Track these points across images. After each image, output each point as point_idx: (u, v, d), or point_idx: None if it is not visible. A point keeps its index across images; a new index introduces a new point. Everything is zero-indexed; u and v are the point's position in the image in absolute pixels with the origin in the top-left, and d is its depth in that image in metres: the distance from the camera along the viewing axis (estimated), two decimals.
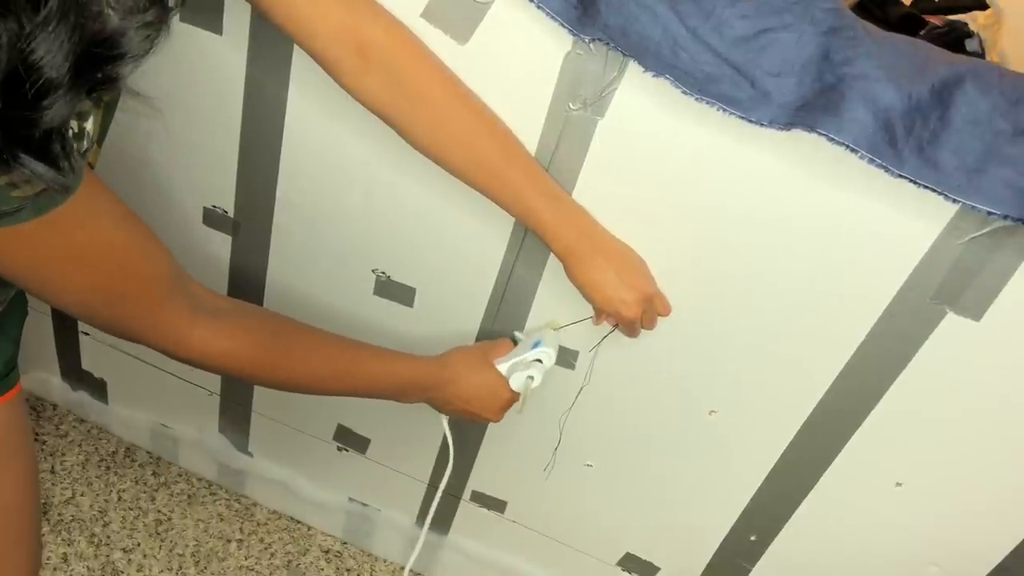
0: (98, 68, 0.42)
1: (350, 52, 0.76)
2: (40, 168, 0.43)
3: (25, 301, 0.87)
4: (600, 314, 0.92)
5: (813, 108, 0.75)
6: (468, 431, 1.17)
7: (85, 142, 0.57)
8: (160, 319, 0.69)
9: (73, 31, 0.39)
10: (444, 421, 1.02)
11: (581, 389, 1.05)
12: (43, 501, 1.34)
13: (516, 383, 0.95)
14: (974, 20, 1.19)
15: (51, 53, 0.39)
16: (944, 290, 0.83)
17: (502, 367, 0.95)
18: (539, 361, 0.95)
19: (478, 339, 1.05)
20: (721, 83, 0.77)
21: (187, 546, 1.36)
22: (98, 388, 1.40)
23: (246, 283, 1.13)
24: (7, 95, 0.38)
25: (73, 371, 1.39)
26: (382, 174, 0.95)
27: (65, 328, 1.33)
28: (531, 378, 0.95)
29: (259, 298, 1.13)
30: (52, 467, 1.39)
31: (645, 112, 0.81)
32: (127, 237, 0.64)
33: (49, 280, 0.61)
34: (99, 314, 0.66)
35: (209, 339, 0.72)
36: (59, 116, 0.41)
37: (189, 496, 1.42)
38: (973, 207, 0.75)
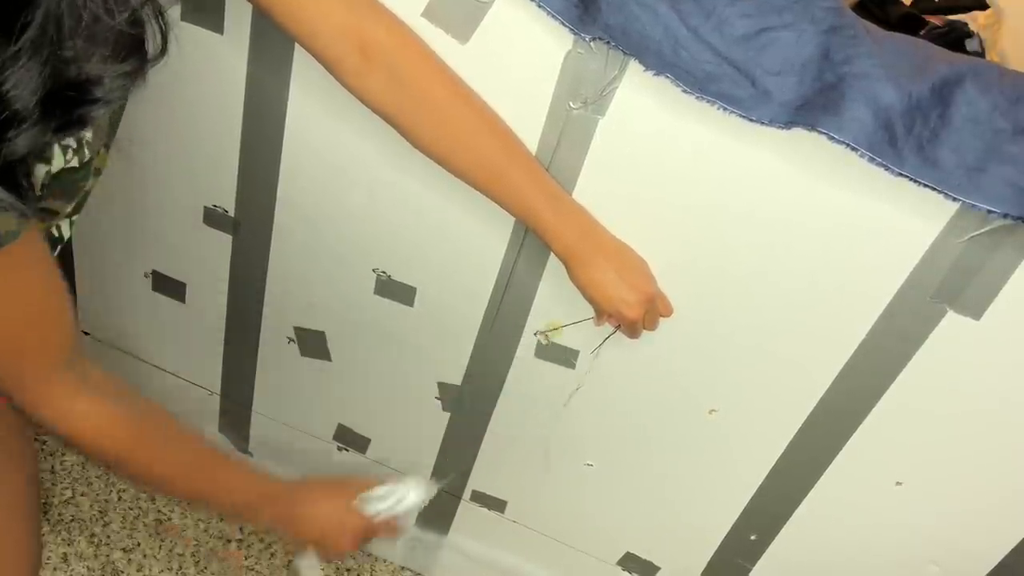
0: (69, 109, 0.42)
1: (352, 52, 0.76)
2: (0, 193, 0.43)
3: None
4: (602, 315, 0.92)
5: (813, 107, 0.75)
6: (468, 431, 1.17)
7: (39, 189, 0.57)
8: (48, 385, 0.68)
9: (44, 68, 0.39)
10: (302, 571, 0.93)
11: (582, 388, 1.05)
12: (43, 501, 1.34)
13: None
14: (974, 20, 1.19)
15: (19, 87, 0.39)
16: (944, 289, 0.83)
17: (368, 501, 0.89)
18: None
19: (478, 339, 1.05)
20: (722, 82, 0.77)
21: (187, 546, 1.36)
22: None
23: (246, 283, 1.13)
24: None
25: None
26: (382, 173, 0.95)
27: None
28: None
29: (259, 298, 1.14)
30: (52, 467, 1.39)
31: (646, 111, 0.81)
32: (50, 295, 0.63)
33: None
34: None
35: (85, 418, 0.71)
36: (23, 148, 0.41)
37: None
38: (973, 206, 0.75)
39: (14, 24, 0.37)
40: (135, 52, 0.43)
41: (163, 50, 0.45)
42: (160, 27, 0.44)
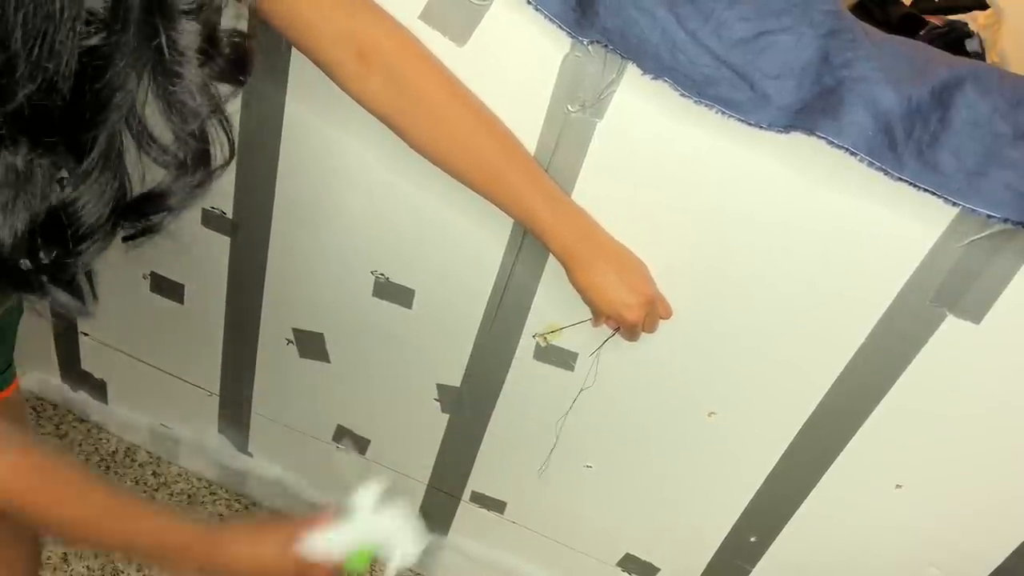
0: (139, 219, 0.43)
1: (351, 56, 0.76)
2: (63, 298, 0.44)
3: (20, 300, 0.86)
4: (600, 317, 0.92)
5: (812, 111, 0.75)
6: (468, 432, 1.17)
7: None
8: None
9: (114, 182, 0.40)
10: None
11: (581, 391, 1.05)
12: None
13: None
14: (974, 20, 1.19)
15: (91, 202, 0.40)
16: (944, 293, 0.83)
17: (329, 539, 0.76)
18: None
19: (477, 340, 1.05)
20: (720, 85, 0.76)
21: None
22: (98, 388, 1.40)
23: (245, 285, 1.13)
24: (45, 234, 0.39)
25: (73, 371, 1.39)
26: (380, 175, 0.95)
27: (65, 329, 1.33)
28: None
29: (258, 300, 1.13)
30: None
31: (644, 114, 0.81)
32: None
33: None
34: None
35: None
36: (93, 258, 0.42)
37: (189, 496, 1.42)
38: (973, 210, 0.74)
39: (83, 143, 0.38)
40: (203, 161, 0.43)
41: (231, 156, 0.45)
42: (227, 136, 0.44)
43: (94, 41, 0.36)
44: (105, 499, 0.73)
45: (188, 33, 0.38)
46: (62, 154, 0.38)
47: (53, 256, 0.40)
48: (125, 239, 0.44)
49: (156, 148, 0.41)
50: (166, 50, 0.38)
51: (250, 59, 0.43)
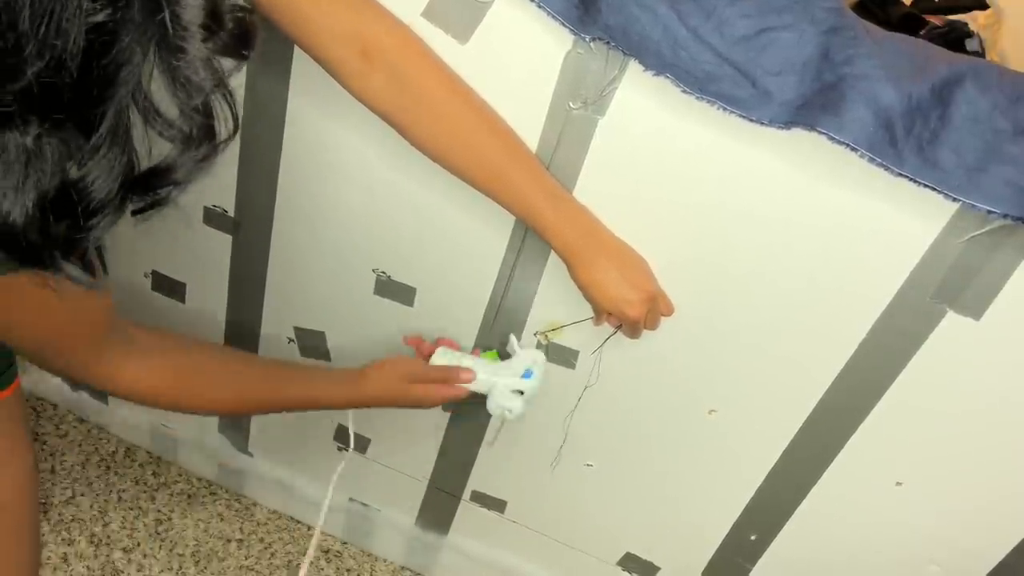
0: (147, 192, 0.44)
1: (353, 54, 0.76)
2: (76, 273, 0.45)
3: None
4: (602, 314, 0.92)
5: (813, 107, 0.75)
6: (468, 431, 1.17)
7: None
8: (95, 362, 0.75)
9: (122, 157, 0.41)
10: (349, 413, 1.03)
11: (585, 389, 1.05)
12: (43, 501, 1.34)
13: (493, 409, 0.95)
14: (974, 20, 1.20)
15: (100, 177, 0.40)
16: (944, 289, 0.83)
17: (483, 377, 0.95)
18: (521, 391, 0.95)
19: (478, 338, 1.05)
20: (722, 82, 0.77)
21: (187, 546, 1.36)
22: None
23: (246, 283, 1.13)
24: (55, 210, 0.40)
25: None
26: (382, 173, 0.95)
27: None
28: (509, 411, 0.95)
29: (259, 298, 1.13)
30: (52, 467, 1.39)
31: (646, 111, 0.81)
32: (73, 295, 0.66)
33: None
34: (43, 355, 0.72)
35: (139, 376, 0.78)
36: (103, 233, 0.43)
37: (189, 496, 1.42)
38: (973, 206, 0.75)
39: (91, 119, 0.38)
40: (209, 135, 0.44)
41: (235, 130, 0.45)
42: (231, 110, 0.44)
43: (100, 17, 0.36)
44: (256, 378, 0.90)
45: (191, 8, 0.39)
46: (71, 131, 0.38)
47: (64, 231, 0.41)
48: (134, 213, 0.45)
49: (162, 122, 0.41)
50: (170, 25, 0.38)
51: (253, 33, 0.43)
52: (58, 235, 0.41)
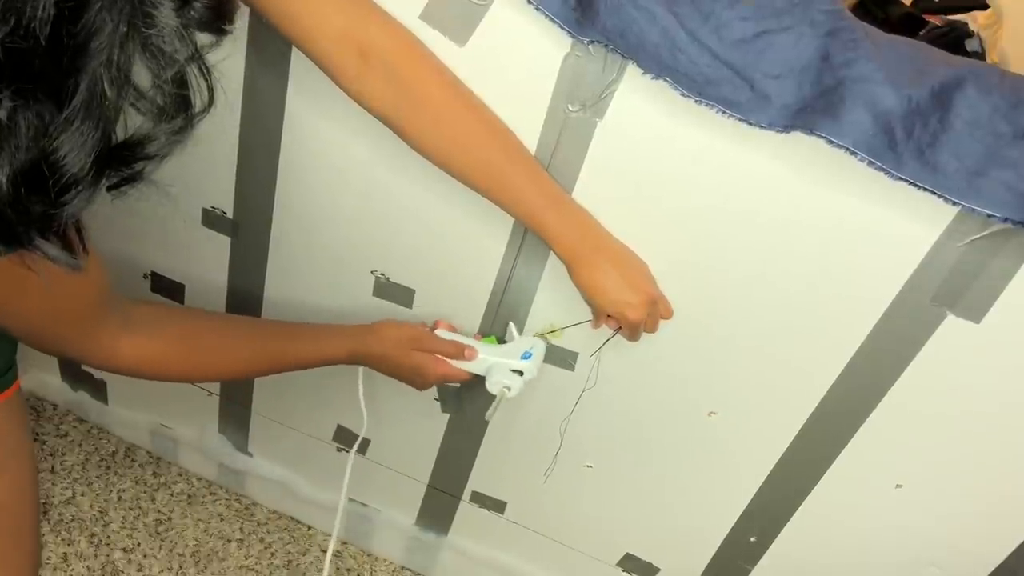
0: (121, 167, 0.43)
1: (351, 56, 0.76)
2: (54, 251, 0.44)
3: None
4: (602, 317, 0.92)
5: (813, 110, 0.75)
6: (468, 432, 1.17)
7: None
8: (91, 339, 0.73)
9: (95, 131, 0.40)
10: (360, 371, 1.03)
11: (584, 391, 1.05)
12: (43, 501, 1.34)
13: (492, 386, 0.96)
14: (974, 20, 1.19)
15: (74, 151, 0.39)
16: (944, 292, 0.83)
17: (483, 357, 0.96)
18: (519, 372, 0.96)
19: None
20: (720, 85, 0.76)
21: (187, 546, 1.36)
22: (98, 388, 1.40)
23: (245, 284, 1.13)
24: (29, 185, 0.39)
25: (73, 371, 1.39)
26: (381, 175, 0.95)
27: None
28: (508, 388, 0.96)
29: (258, 299, 1.13)
30: (52, 467, 1.39)
31: (644, 114, 0.81)
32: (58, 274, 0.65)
33: None
34: (37, 336, 0.71)
35: (137, 350, 0.77)
36: (78, 209, 0.42)
37: (189, 496, 1.42)
38: (973, 210, 0.74)
39: (63, 91, 0.38)
40: (183, 107, 0.43)
41: (210, 103, 0.45)
42: (207, 81, 0.44)
43: None
44: (255, 341, 0.89)
45: None
46: (44, 103, 0.38)
47: (39, 208, 0.40)
48: (109, 189, 0.44)
49: (134, 94, 0.41)
50: None
51: (231, 7, 0.43)
52: (33, 211, 0.40)
